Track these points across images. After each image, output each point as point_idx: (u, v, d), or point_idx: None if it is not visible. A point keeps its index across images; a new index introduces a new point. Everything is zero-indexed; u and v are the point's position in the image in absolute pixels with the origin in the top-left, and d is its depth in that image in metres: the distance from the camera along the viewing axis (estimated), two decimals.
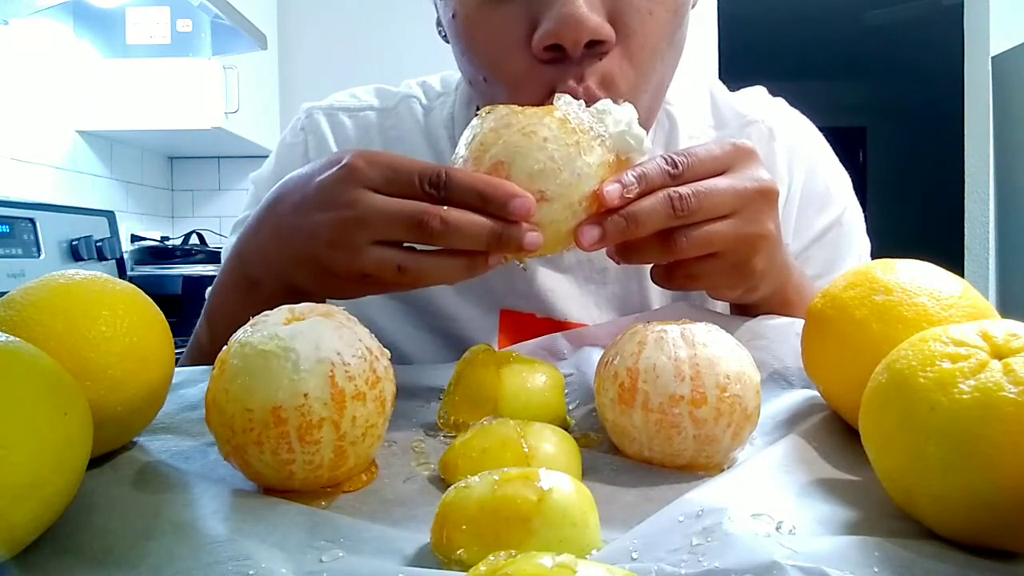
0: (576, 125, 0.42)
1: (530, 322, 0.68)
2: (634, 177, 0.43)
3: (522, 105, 0.45)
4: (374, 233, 0.44)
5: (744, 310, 0.58)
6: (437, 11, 0.62)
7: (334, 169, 0.46)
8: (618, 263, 0.49)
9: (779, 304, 0.56)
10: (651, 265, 0.50)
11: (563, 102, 0.44)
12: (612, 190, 0.42)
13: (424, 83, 0.75)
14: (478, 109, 0.71)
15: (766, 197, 0.48)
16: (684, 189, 0.45)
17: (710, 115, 0.73)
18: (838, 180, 0.73)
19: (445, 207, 0.42)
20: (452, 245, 0.43)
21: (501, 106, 0.44)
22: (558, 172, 0.41)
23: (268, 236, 0.51)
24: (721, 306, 0.71)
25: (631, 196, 0.43)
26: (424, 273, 0.44)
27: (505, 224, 0.42)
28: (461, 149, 0.44)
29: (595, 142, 0.42)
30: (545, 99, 0.52)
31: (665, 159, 0.45)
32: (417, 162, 0.45)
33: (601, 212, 0.43)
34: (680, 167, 0.45)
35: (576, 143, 0.41)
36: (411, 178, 0.44)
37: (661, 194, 0.44)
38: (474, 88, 0.61)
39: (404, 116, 0.72)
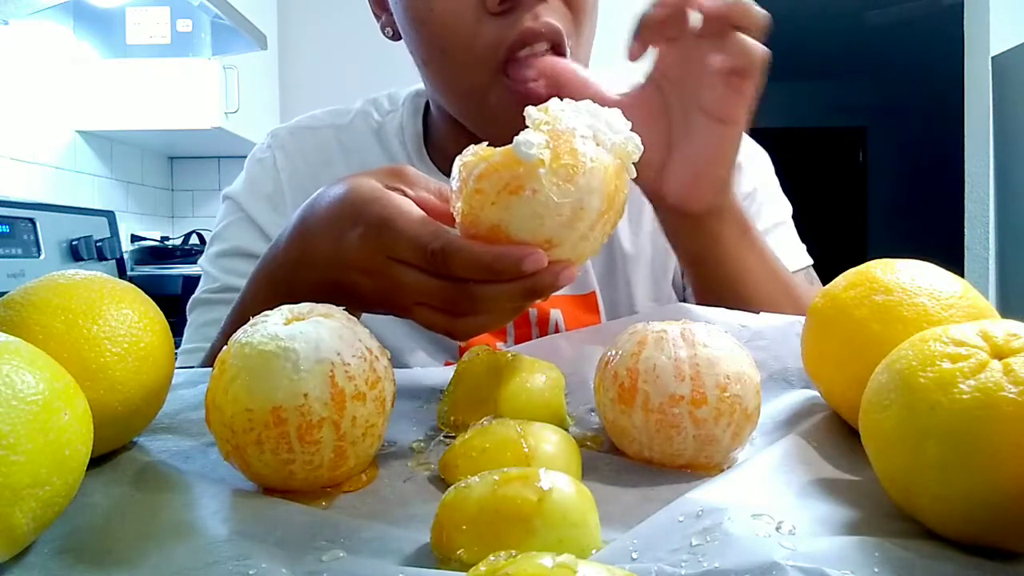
0: (557, 145, 0.37)
1: None
2: None
3: (478, 69, 0.52)
4: (416, 299, 0.44)
5: (705, 231, 0.58)
6: (377, 18, 0.71)
7: (358, 229, 0.45)
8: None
9: (740, 230, 0.59)
10: None
11: (532, 114, 0.38)
12: None
13: (375, 100, 0.83)
14: (426, 114, 0.79)
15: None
16: None
17: None
18: (750, 156, 0.79)
19: (469, 284, 0.41)
20: (492, 312, 0.44)
21: (473, 155, 0.39)
22: (557, 213, 0.38)
23: (311, 283, 0.49)
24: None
25: None
26: (474, 332, 0.45)
27: (530, 278, 0.40)
28: (454, 184, 0.41)
29: (586, 154, 0.38)
30: (499, 54, 0.59)
31: None
32: (415, 233, 0.43)
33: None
34: None
35: (567, 172, 0.37)
36: (409, 253, 0.43)
37: None
38: (427, 70, 0.66)
39: (360, 130, 0.81)
